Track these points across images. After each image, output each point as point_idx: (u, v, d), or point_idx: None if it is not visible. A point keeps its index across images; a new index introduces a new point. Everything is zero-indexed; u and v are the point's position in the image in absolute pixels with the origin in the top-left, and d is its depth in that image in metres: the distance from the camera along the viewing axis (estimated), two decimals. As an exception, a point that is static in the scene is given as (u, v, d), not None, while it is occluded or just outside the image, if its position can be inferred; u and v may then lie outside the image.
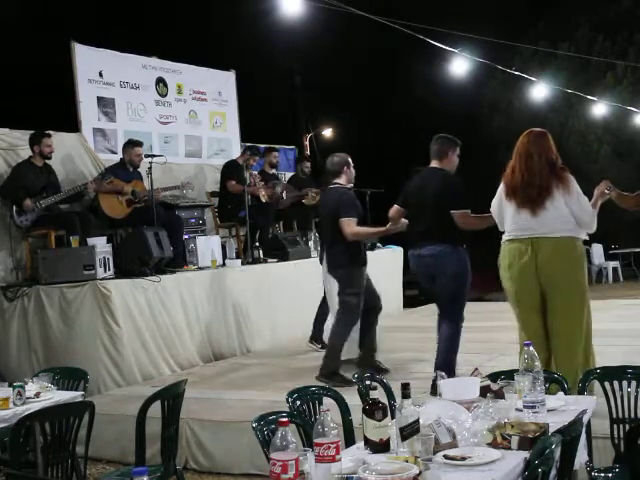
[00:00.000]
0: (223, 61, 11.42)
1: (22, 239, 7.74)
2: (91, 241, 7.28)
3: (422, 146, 6.55)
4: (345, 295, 6.34)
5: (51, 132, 8.03)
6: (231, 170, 9.42)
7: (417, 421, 2.74)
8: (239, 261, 8.68)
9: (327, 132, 20.89)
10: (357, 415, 3.18)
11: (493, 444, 2.82)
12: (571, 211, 4.83)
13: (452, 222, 5.61)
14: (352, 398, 3.93)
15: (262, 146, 10.61)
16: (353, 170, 6.58)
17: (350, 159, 6.58)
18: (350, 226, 6.22)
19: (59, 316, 7.05)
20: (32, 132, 7.90)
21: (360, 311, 6.37)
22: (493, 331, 8.25)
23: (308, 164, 11.06)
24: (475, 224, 5.69)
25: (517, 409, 3.13)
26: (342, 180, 6.48)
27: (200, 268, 8.21)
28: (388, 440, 2.83)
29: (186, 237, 8.52)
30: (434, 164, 5.85)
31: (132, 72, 9.73)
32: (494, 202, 5.14)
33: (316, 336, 7.82)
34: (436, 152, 5.83)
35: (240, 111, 11.33)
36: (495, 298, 13.75)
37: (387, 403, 3.37)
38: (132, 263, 7.38)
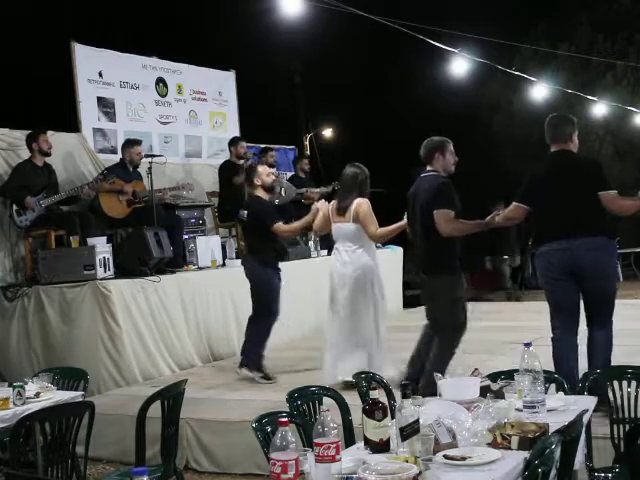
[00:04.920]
0: (223, 61, 11.42)
1: (22, 239, 7.74)
2: (91, 241, 7.29)
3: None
4: (449, 309, 5.43)
5: (50, 131, 8.03)
6: (229, 169, 9.42)
7: (417, 421, 2.74)
8: (239, 261, 8.66)
9: (327, 132, 20.86)
10: (357, 415, 3.18)
11: (493, 444, 2.82)
12: None
13: (603, 210, 4.83)
14: (352, 398, 3.93)
15: (260, 146, 10.61)
16: (450, 157, 5.49)
17: (448, 144, 5.52)
18: (445, 219, 5.27)
19: (59, 316, 7.05)
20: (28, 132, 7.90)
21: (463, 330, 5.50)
22: (492, 331, 8.25)
23: (306, 161, 11.08)
24: (631, 209, 4.90)
25: (517, 409, 3.13)
26: (435, 167, 5.47)
27: (200, 268, 8.21)
28: (388, 440, 2.83)
29: (186, 237, 8.52)
30: (558, 147, 5.06)
31: (132, 72, 9.73)
32: None
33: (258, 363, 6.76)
34: (558, 134, 5.06)
35: (240, 111, 11.33)
36: (493, 298, 13.78)
37: (387, 403, 3.37)
38: (132, 263, 7.38)
